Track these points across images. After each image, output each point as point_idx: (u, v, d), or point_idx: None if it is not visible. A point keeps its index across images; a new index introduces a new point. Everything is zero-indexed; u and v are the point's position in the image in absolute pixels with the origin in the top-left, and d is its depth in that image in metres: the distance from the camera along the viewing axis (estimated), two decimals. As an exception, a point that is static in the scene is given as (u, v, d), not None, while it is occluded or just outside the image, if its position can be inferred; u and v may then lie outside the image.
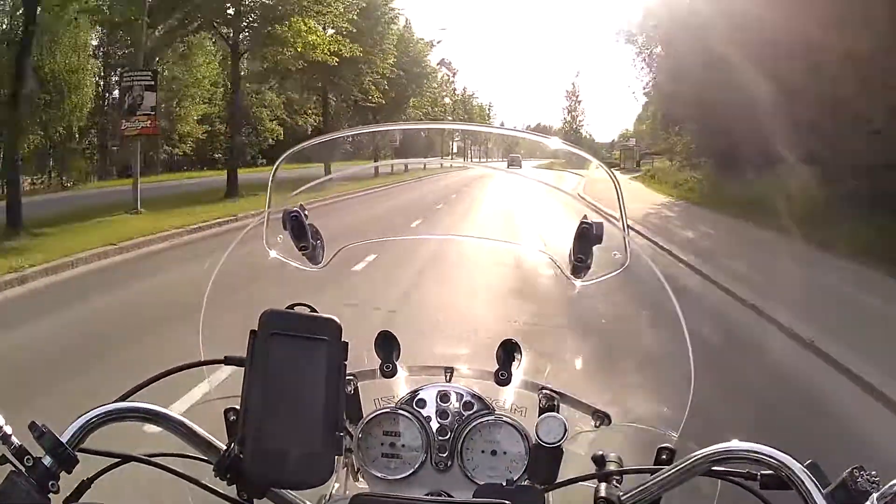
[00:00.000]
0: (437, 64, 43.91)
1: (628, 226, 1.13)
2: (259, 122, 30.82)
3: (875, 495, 0.71)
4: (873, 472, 0.75)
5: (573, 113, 65.44)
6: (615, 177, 1.18)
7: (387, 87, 29.70)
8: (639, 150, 44.62)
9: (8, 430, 0.80)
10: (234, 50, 21.16)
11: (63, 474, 0.80)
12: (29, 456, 0.79)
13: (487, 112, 65.91)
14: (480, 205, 12.88)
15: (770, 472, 0.83)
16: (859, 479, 0.74)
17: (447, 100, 49.43)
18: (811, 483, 0.77)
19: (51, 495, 0.78)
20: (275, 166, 1.26)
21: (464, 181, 19.39)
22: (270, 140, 31.18)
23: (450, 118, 47.15)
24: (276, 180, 1.23)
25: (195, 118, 29.11)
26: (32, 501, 0.75)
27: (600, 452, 1.03)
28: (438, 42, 46.37)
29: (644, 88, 31.83)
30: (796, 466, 0.79)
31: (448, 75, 52.22)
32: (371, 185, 24.52)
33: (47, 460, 0.79)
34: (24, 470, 0.78)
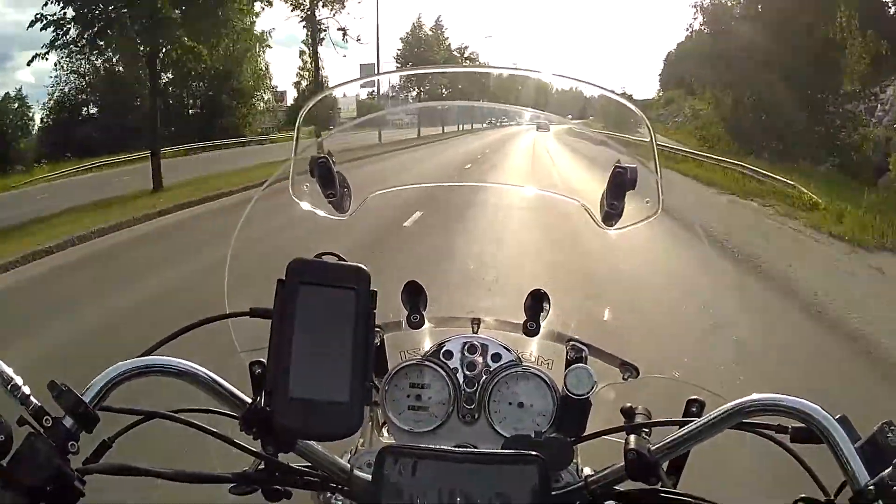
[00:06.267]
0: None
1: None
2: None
3: None
4: None
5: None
6: (648, 121, 1.13)
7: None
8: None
9: (26, 390, 0.78)
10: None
11: (84, 435, 0.79)
12: (48, 416, 0.77)
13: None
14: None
15: (801, 425, 0.81)
16: (889, 435, 0.73)
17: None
18: (843, 437, 0.76)
19: (70, 457, 0.77)
20: (301, 112, 1.22)
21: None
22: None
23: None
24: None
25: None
26: (52, 464, 0.74)
27: (629, 405, 1.00)
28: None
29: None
30: (828, 420, 0.77)
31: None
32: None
33: (67, 420, 0.77)
34: (42, 431, 0.76)
